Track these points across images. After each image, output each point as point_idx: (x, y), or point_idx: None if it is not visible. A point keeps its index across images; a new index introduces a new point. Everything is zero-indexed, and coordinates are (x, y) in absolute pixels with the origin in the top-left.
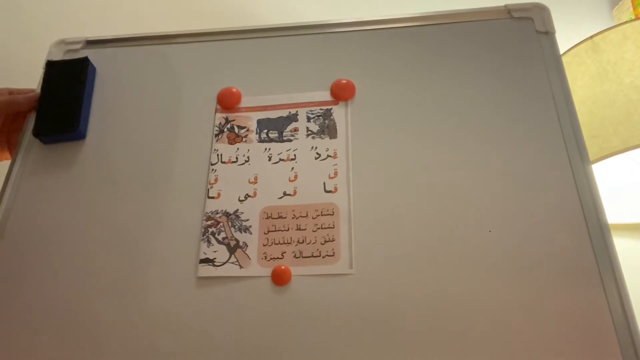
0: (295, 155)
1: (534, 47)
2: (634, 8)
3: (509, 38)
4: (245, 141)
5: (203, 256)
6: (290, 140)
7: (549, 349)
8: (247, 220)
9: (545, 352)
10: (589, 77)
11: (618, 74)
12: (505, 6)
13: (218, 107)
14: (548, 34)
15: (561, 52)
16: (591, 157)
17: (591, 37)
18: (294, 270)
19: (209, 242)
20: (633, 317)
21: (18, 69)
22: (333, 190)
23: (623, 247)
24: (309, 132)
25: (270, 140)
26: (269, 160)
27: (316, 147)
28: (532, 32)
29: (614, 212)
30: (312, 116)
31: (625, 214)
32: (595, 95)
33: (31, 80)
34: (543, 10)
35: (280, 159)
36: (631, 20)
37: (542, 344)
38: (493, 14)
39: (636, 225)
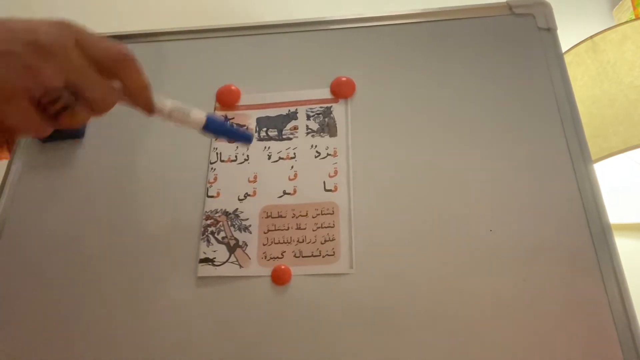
0: (295, 153)
1: (535, 43)
2: (634, 8)
3: (510, 34)
4: None
5: (203, 256)
6: (289, 139)
7: (550, 347)
8: (247, 219)
9: (546, 350)
10: (589, 77)
11: (618, 74)
12: (507, 2)
13: (217, 104)
14: (550, 30)
15: None
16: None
17: (591, 37)
18: (294, 270)
19: (208, 241)
20: (634, 316)
21: None
22: (333, 189)
23: (623, 247)
24: (309, 131)
25: (270, 138)
26: (269, 158)
27: (316, 146)
28: (533, 29)
29: (614, 212)
30: (311, 114)
31: (625, 214)
32: (595, 95)
33: None
34: (545, 7)
35: (280, 158)
36: (631, 20)
37: (544, 341)
38: (494, 10)
39: (636, 226)
